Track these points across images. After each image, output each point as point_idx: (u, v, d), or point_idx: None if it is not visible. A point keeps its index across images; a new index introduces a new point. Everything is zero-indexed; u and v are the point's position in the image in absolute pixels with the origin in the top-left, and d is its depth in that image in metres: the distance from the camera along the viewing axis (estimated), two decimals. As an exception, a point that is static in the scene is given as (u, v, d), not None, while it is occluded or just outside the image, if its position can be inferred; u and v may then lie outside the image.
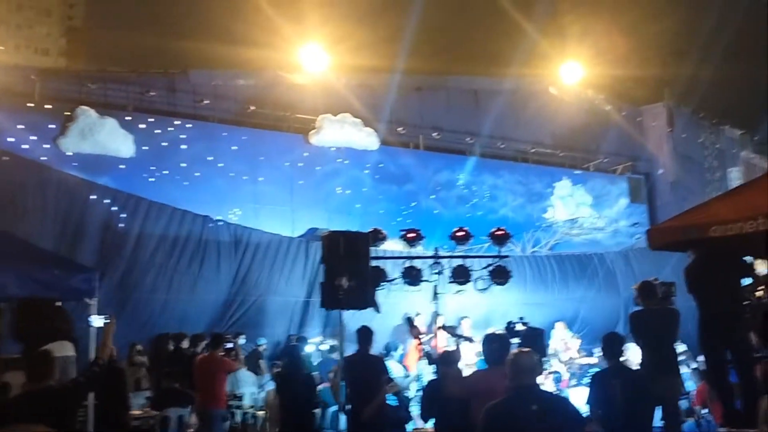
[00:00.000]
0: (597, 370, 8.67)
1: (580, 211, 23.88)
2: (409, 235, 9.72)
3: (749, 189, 8.26)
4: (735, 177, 25.43)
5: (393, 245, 10.98)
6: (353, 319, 9.04)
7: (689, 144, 26.68)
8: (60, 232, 12.55)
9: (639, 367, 7.46)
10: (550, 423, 4.33)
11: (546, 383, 9.86)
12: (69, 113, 16.72)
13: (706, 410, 9.06)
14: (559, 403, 4.70)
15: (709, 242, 6.78)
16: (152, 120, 17.94)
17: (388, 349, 10.41)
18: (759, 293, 7.96)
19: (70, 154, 16.46)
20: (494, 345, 5.73)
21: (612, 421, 6.05)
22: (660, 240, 7.51)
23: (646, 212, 25.15)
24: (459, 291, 9.76)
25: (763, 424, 6.29)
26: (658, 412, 6.94)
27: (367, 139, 20.59)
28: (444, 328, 7.51)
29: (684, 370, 9.36)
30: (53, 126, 16.62)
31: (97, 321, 6.80)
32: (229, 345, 9.53)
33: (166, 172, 17.63)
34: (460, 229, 9.76)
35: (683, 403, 8.39)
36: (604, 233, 23.56)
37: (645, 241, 8.14)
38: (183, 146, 18.00)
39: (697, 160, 26.60)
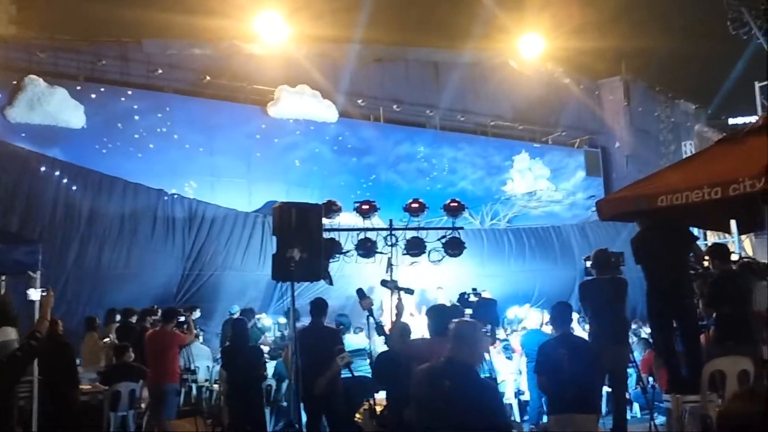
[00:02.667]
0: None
1: (538, 183, 24.13)
2: (364, 207, 9.64)
3: (697, 160, 8.38)
4: (689, 150, 25.83)
5: (349, 217, 10.91)
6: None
7: (645, 117, 27.01)
8: (7, 204, 12.26)
9: (587, 336, 7.60)
10: (459, 406, 4.03)
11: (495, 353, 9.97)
12: (17, 82, 16.17)
13: (652, 378, 9.29)
14: (477, 389, 4.17)
15: (657, 212, 6.85)
16: (104, 90, 17.46)
17: (339, 323, 10.35)
18: (705, 263, 8.09)
19: (18, 124, 15.96)
20: (438, 317, 5.71)
21: (560, 390, 6.14)
22: (609, 211, 7.56)
23: (602, 185, 25.50)
24: (413, 263, 9.76)
25: (707, 390, 6.46)
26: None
27: (326, 110, 20.37)
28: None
29: (631, 339, 9.56)
30: (0, 95, 16.09)
31: (35, 294, 6.62)
32: (182, 318, 9.39)
33: (119, 143, 17.20)
34: (415, 201, 9.71)
35: (630, 372, 8.56)
36: (562, 206, 23.89)
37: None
38: (136, 117, 17.54)
39: (652, 134, 26.96)
